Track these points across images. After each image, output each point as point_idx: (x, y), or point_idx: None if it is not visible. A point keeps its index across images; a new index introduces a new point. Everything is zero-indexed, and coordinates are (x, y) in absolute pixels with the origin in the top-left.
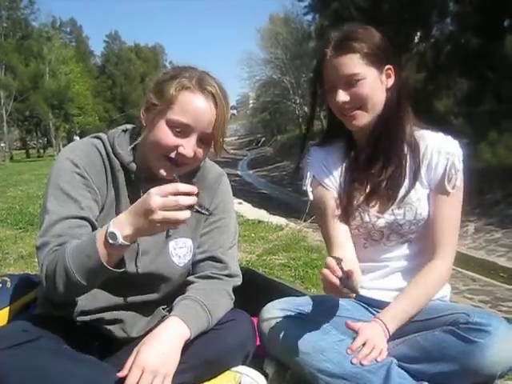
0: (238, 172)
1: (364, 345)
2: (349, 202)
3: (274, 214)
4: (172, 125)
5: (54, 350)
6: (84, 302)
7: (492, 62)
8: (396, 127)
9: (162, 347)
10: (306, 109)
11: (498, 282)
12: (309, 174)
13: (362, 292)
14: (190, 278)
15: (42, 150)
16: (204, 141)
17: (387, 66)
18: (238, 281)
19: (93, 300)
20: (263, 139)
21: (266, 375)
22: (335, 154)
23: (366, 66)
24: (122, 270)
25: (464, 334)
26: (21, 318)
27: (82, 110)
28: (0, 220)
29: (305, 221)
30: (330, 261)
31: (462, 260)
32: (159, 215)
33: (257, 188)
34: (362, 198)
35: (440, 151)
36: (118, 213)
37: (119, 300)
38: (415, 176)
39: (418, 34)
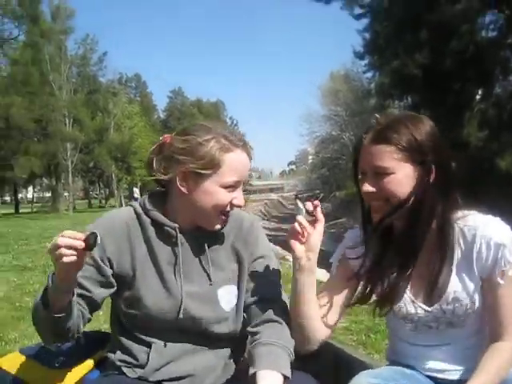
0: None
1: None
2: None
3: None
4: (225, 186)
5: None
6: (153, 360)
7: None
8: (431, 221)
9: None
10: None
11: None
12: (340, 250)
13: (427, 372)
14: (251, 327)
15: (103, 201)
16: None
17: (428, 164)
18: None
19: (160, 355)
20: (322, 195)
21: None
22: (374, 238)
23: (398, 160)
24: (61, 315)
25: None
26: (94, 378)
27: (144, 163)
28: None
29: None
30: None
31: None
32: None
33: None
34: (407, 290)
35: (489, 243)
36: (156, 267)
37: (182, 349)
38: (463, 270)
39: (480, 91)
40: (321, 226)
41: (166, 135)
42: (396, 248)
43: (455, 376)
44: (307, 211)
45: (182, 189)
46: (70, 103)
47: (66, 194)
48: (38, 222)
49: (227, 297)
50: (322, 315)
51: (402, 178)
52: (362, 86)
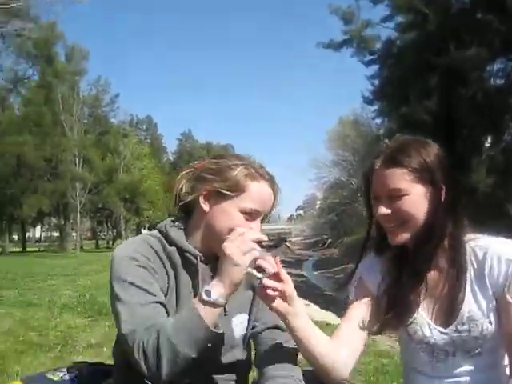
0: (304, 273)
1: None
2: (398, 311)
3: (341, 317)
4: (244, 211)
5: None
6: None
7: None
8: (442, 240)
9: None
10: None
11: None
12: (357, 275)
13: None
14: (260, 358)
15: (111, 242)
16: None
17: (438, 184)
18: None
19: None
20: (329, 240)
21: None
22: (388, 263)
23: (411, 182)
24: (222, 331)
25: None
26: None
27: (153, 205)
28: (70, 308)
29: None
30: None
31: None
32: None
33: (323, 290)
34: (421, 312)
35: (500, 259)
36: (178, 297)
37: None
38: (477, 289)
39: (489, 138)
40: (285, 274)
41: (197, 162)
42: (410, 268)
43: None
44: (265, 273)
45: (204, 206)
46: (81, 143)
47: (73, 233)
48: (45, 261)
49: (240, 326)
50: (347, 342)
51: (416, 198)
52: (371, 131)
